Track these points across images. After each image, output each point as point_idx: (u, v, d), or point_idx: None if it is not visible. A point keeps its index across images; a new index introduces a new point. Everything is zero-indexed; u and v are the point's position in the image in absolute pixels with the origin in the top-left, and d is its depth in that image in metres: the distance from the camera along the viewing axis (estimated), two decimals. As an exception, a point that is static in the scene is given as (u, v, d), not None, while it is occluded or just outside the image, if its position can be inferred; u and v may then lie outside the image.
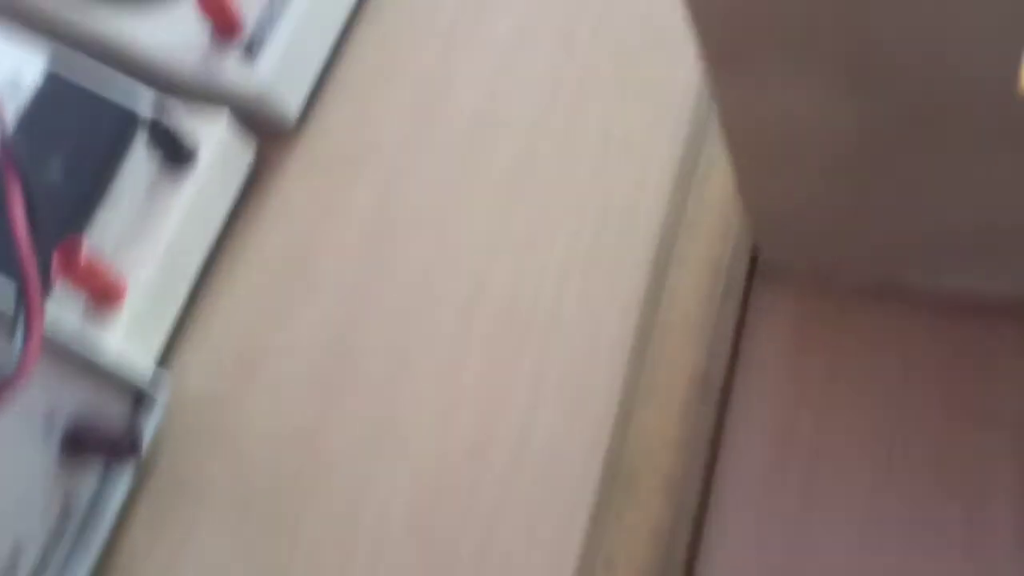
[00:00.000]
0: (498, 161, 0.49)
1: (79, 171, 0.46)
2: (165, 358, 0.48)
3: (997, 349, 0.41)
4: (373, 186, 0.50)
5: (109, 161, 0.46)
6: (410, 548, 0.43)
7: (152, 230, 0.47)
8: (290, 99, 0.51)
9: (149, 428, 0.44)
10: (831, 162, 0.35)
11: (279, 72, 0.50)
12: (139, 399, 0.45)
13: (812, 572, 0.41)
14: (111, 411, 0.43)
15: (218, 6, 0.49)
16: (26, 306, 0.36)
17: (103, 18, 0.50)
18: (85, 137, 0.46)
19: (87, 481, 0.43)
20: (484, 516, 0.43)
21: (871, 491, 0.41)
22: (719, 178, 0.45)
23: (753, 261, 0.45)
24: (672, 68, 0.48)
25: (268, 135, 0.51)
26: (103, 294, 0.45)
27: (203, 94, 0.50)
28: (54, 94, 0.47)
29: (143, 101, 0.48)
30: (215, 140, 0.48)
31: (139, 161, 0.47)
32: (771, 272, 0.44)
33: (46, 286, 0.36)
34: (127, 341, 0.45)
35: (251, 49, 0.50)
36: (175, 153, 0.48)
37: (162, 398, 0.45)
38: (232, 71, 0.50)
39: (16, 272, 0.35)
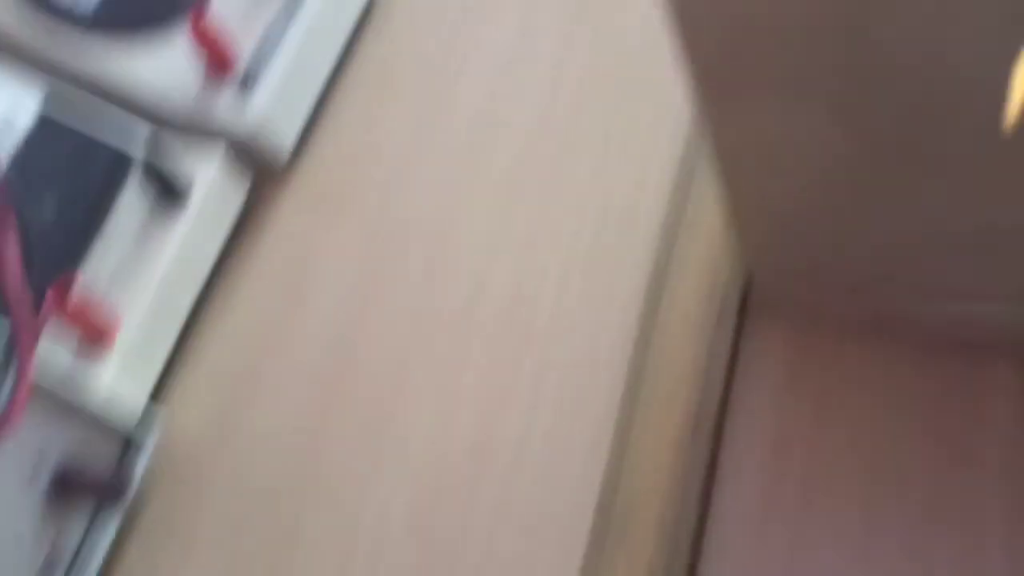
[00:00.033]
0: (497, 165, 0.49)
1: (72, 211, 0.46)
2: (158, 393, 0.48)
3: (986, 390, 0.41)
4: (367, 216, 0.50)
5: (101, 201, 0.46)
6: (410, 549, 0.43)
7: (145, 268, 0.47)
8: (285, 134, 0.51)
9: (138, 470, 0.44)
10: (822, 182, 0.35)
11: (273, 107, 0.50)
12: (129, 440, 0.45)
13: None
14: (100, 453, 0.43)
15: (212, 43, 0.50)
16: (17, 350, 0.36)
17: (99, 55, 0.51)
18: (77, 177, 0.46)
19: (75, 524, 0.42)
20: (485, 516, 0.43)
21: (861, 529, 0.41)
22: (713, 206, 0.45)
23: (745, 298, 0.45)
24: (672, 68, 0.49)
25: (262, 169, 0.51)
26: (95, 332, 0.45)
27: (198, 129, 0.50)
28: (47, 135, 0.47)
29: (137, 140, 0.48)
30: (208, 178, 0.48)
31: (132, 200, 0.47)
32: (763, 307, 0.44)
33: (38, 326, 0.36)
34: (119, 378, 0.45)
35: (245, 85, 0.50)
36: (168, 191, 0.48)
37: (152, 438, 0.45)
38: (226, 107, 0.50)
39: (7, 314, 0.35)
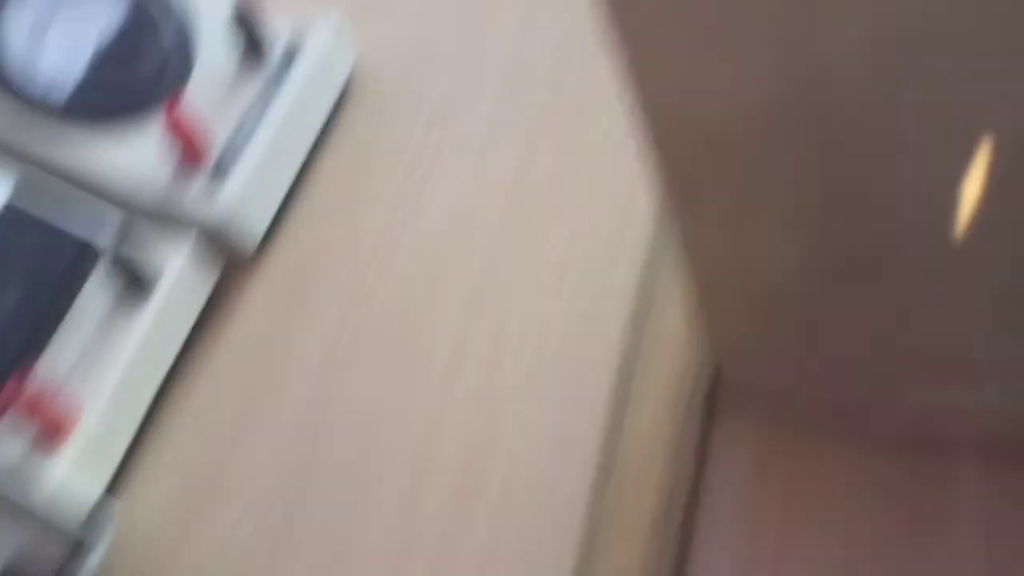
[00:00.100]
0: (467, 260, 0.49)
1: (33, 301, 0.45)
2: (117, 488, 0.46)
3: (955, 487, 0.40)
4: (336, 306, 0.49)
5: (64, 292, 0.46)
6: None
7: (107, 359, 0.46)
8: (255, 223, 0.51)
9: (88, 570, 0.42)
10: (782, 287, 0.36)
11: (245, 197, 0.50)
12: (80, 538, 0.43)
13: None
14: (50, 552, 0.42)
15: (186, 133, 0.49)
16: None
17: (71, 143, 0.50)
18: (41, 268, 0.46)
19: (21, 627, 0.41)
20: None
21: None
22: (680, 299, 0.45)
23: (713, 387, 0.44)
24: (637, 170, 0.49)
25: (232, 256, 0.51)
26: (52, 425, 0.44)
27: (169, 218, 0.50)
28: (12, 225, 0.47)
29: (106, 229, 0.48)
30: (176, 268, 0.48)
31: (96, 291, 0.47)
32: (731, 398, 0.44)
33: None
34: (75, 473, 0.44)
35: (218, 174, 0.50)
36: (135, 282, 0.47)
37: (106, 535, 0.44)
38: (198, 196, 0.49)
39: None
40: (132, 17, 0.52)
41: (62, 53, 0.50)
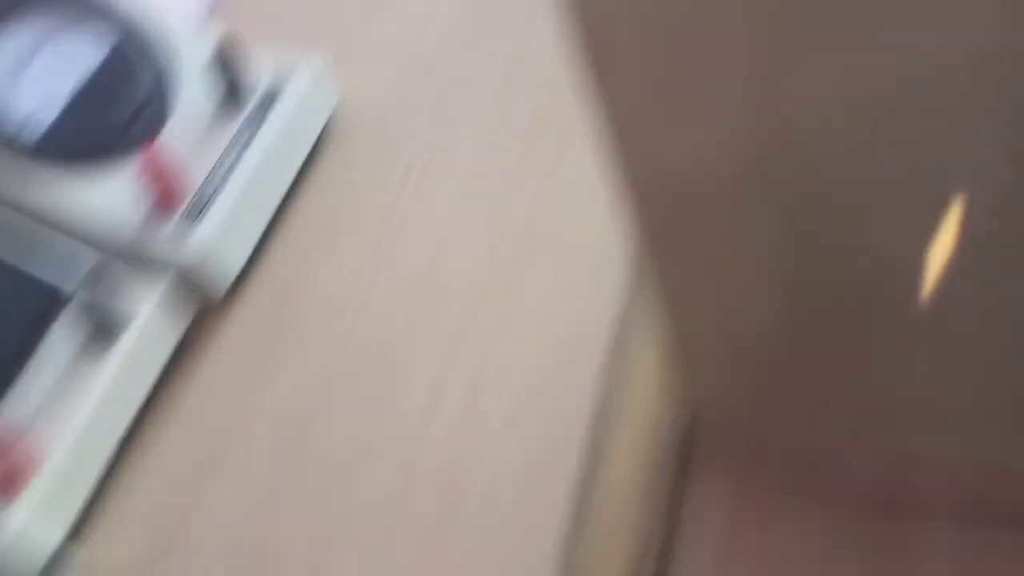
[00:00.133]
0: (439, 315, 0.48)
1: (-4, 345, 0.45)
2: (79, 535, 0.46)
3: (930, 545, 0.40)
4: (309, 353, 0.49)
5: (28, 337, 0.45)
6: None
7: (72, 404, 0.45)
8: (227, 268, 0.50)
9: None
10: (755, 339, 0.35)
11: (219, 241, 0.49)
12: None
13: None
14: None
15: (160, 176, 0.49)
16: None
17: (44, 184, 0.50)
18: (5, 313, 0.45)
19: None
20: None
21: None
22: (655, 350, 0.45)
23: (688, 440, 0.44)
24: (610, 222, 0.49)
25: (203, 301, 0.50)
26: (13, 471, 0.43)
27: (142, 260, 0.50)
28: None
29: (76, 272, 0.47)
30: (146, 313, 0.47)
31: (63, 336, 0.46)
32: (706, 450, 0.43)
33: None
34: (35, 519, 0.43)
35: (192, 217, 0.49)
36: (103, 326, 0.47)
37: (66, 583, 0.43)
38: (171, 240, 0.49)
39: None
40: (112, 58, 0.52)
41: (39, 92, 0.50)
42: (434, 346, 0.47)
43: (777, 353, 0.36)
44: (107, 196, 0.50)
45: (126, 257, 0.49)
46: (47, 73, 0.50)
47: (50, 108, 0.50)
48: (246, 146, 0.52)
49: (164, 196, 0.49)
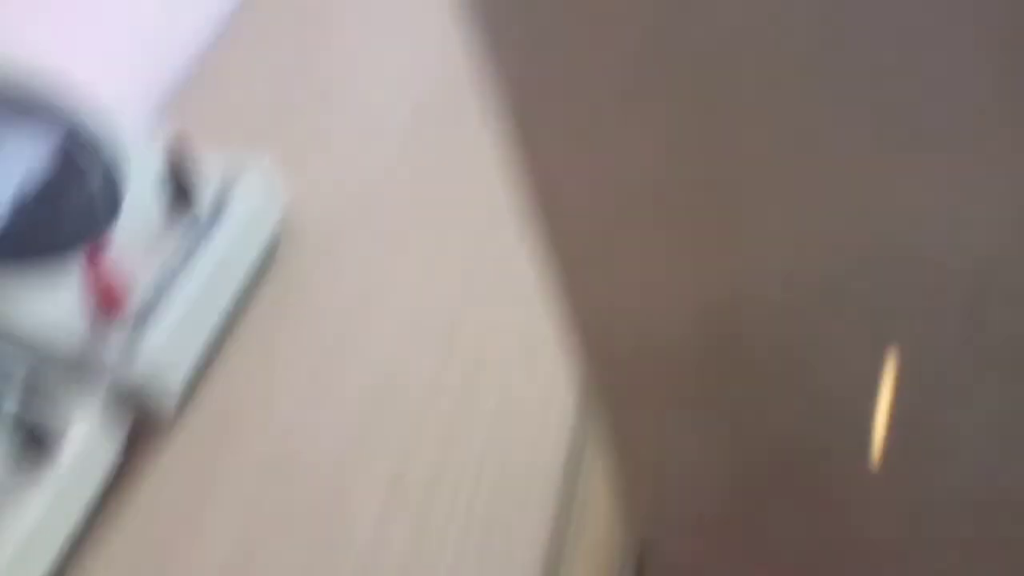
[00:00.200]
0: (390, 432, 0.47)
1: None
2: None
3: None
4: (249, 478, 0.47)
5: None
6: None
7: (1, 527, 0.43)
8: (171, 384, 0.49)
9: None
10: (709, 479, 0.35)
11: (162, 355, 0.48)
12: None
13: None
14: None
15: (104, 283, 0.48)
16: None
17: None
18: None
19: None
20: None
21: None
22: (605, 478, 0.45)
23: (640, 571, 0.43)
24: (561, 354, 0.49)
25: (143, 417, 0.48)
26: (-67, 600, 0.41)
27: (80, 370, 0.48)
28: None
29: (6, 383, 0.45)
30: (83, 429, 0.45)
31: (-9, 455, 0.44)
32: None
33: None
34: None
35: (135, 329, 0.48)
36: (35, 442, 0.44)
37: None
38: (112, 352, 0.47)
39: None
40: (58, 161, 0.50)
41: (-21, 194, 0.48)
42: (381, 473, 0.46)
43: (727, 502, 0.36)
44: (45, 301, 0.48)
45: (63, 367, 0.47)
46: (-12, 173, 0.49)
47: (-10, 210, 0.48)
48: (193, 253, 0.50)
49: (106, 303, 0.48)
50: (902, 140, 0.22)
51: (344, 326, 0.51)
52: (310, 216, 0.56)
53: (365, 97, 0.63)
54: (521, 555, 0.43)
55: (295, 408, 0.49)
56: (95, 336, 0.47)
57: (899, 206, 0.23)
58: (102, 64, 0.63)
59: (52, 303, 0.48)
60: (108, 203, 0.51)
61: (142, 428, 0.48)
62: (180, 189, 0.52)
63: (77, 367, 0.47)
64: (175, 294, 0.49)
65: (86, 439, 0.45)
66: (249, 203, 0.53)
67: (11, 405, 0.44)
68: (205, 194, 0.52)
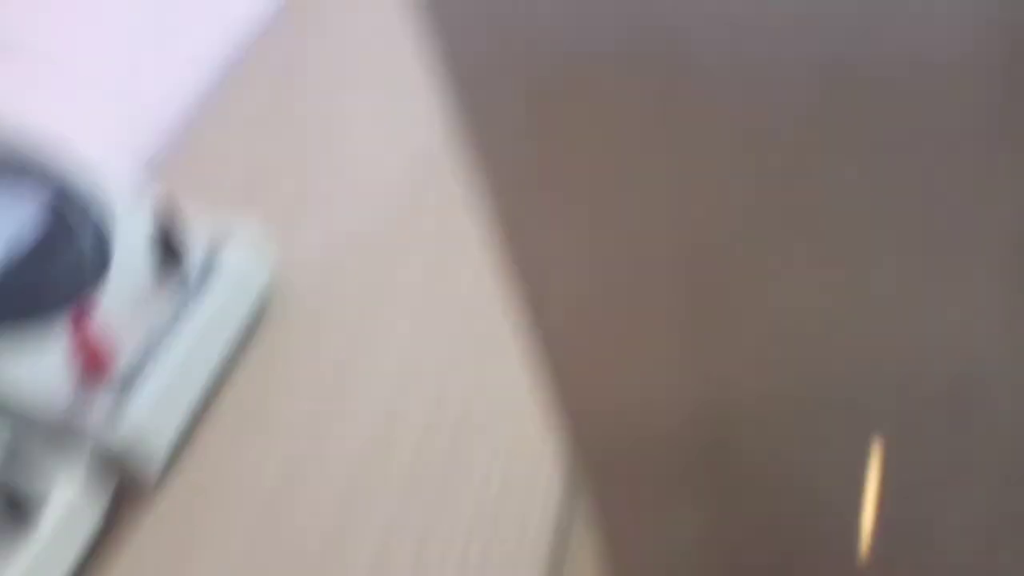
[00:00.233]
0: (375, 507, 0.47)
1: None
2: None
3: None
4: (233, 548, 0.46)
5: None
6: None
7: (-22, 594, 0.42)
8: (155, 450, 0.48)
9: None
10: (690, 563, 0.35)
11: (147, 421, 0.47)
12: None
13: None
14: None
15: (90, 346, 0.47)
16: None
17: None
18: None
19: None
20: None
21: None
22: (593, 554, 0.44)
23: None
24: (547, 425, 0.48)
25: (127, 482, 0.48)
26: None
27: (63, 435, 0.47)
28: None
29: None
30: (65, 495, 0.45)
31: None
32: None
33: None
34: None
35: (120, 394, 0.47)
36: (17, 508, 0.44)
37: None
38: (96, 416, 0.47)
39: None
40: (47, 222, 0.50)
41: (-34, 255, 0.48)
42: (367, 540, 0.46)
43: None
44: (29, 364, 0.47)
45: (46, 431, 0.47)
46: (-23, 233, 0.49)
47: (-23, 271, 0.48)
48: (181, 317, 0.50)
49: (91, 366, 0.47)
50: (887, 247, 0.22)
51: (331, 390, 0.51)
52: (298, 277, 0.56)
53: (353, 159, 0.63)
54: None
55: (281, 473, 0.48)
56: (79, 400, 0.47)
57: (884, 311, 0.23)
58: (92, 124, 0.63)
59: (36, 366, 0.47)
60: (96, 264, 0.51)
61: (125, 493, 0.48)
62: (169, 251, 0.52)
63: (60, 431, 0.47)
64: (161, 358, 0.48)
65: (68, 505, 0.45)
66: (237, 266, 0.53)
67: (-7, 472, 0.44)
68: (194, 256, 0.52)
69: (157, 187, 0.61)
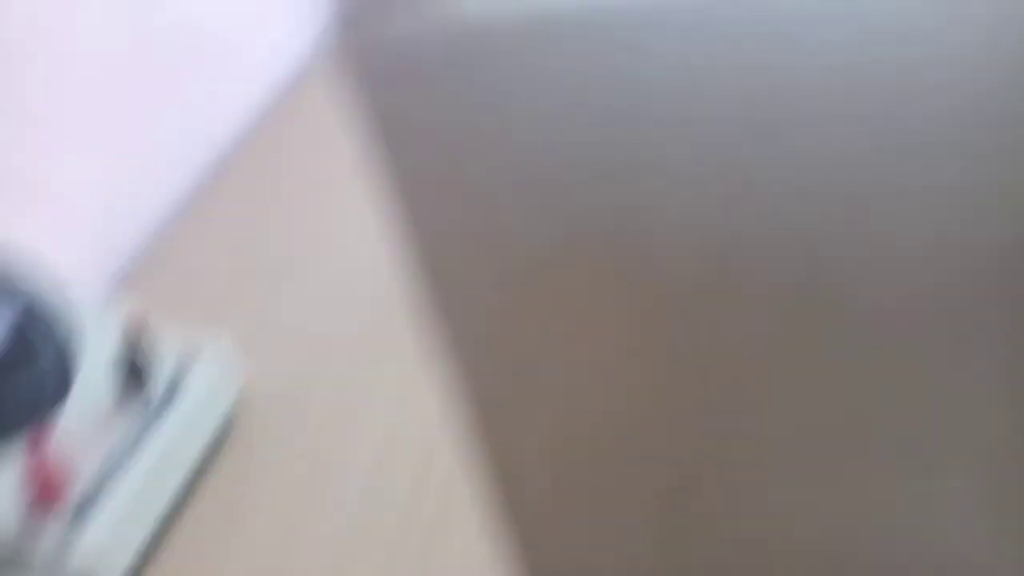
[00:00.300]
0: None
1: None
2: None
3: None
4: None
5: None
6: None
7: None
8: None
9: None
10: None
11: (102, 549, 0.45)
12: None
13: None
14: None
15: (45, 470, 0.46)
16: None
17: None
18: None
19: None
20: None
21: None
22: None
23: None
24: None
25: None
26: None
27: (15, 564, 0.45)
28: None
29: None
30: (8, 632, 0.43)
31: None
32: None
33: None
34: None
35: (75, 520, 0.46)
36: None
37: None
38: (49, 543, 0.45)
39: None
40: (10, 339, 0.49)
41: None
42: None
43: None
44: (-16, 488, 0.46)
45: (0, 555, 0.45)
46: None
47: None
48: (142, 440, 0.49)
49: (45, 493, 0.46)
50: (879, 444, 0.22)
51: (297, 511, 0.49)
52: (266, 392, 0.55)
53: (323, 273, 0.63)
54: None
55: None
56: (30, 528, 0.45)
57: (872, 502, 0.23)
58: (60, 238, 0.62)
59: (-10, 490, 0.46)
60: (58, 384, 0.50)
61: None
62: (134, 370, 0.51)
63: (9, 561, 0.45)
64: (119, 484, 0.47)
65: (12, 642, 0.43)
66: (204, 387, 0.52)
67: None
68: (159, 375, 0.51)
69: (127, 303, 0.61)
